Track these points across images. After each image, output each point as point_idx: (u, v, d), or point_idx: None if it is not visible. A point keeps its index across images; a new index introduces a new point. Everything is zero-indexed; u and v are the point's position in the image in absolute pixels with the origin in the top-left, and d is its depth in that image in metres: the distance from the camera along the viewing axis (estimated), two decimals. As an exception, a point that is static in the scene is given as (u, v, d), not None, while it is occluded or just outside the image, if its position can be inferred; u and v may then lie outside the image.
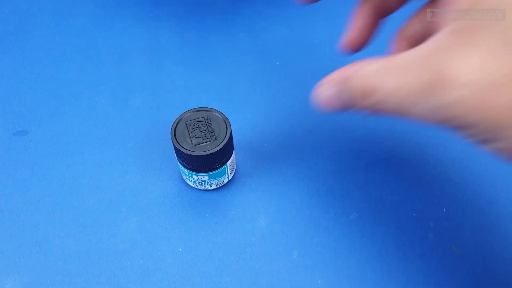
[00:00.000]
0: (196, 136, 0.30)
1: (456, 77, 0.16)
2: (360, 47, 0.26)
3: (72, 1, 0.46)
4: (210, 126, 0.31)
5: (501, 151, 0.17)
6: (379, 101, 0.19)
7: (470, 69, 0.16)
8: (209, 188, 0.33)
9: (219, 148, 0.29)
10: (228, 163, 0.32)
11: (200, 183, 0.33)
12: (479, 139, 0.17)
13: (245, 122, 0.37)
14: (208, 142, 0.30)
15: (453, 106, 0.17)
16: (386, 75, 0.18)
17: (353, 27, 0.26)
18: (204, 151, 0.29)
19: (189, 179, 0.33)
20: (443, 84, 0.17)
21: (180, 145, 0.30)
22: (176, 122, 0.31)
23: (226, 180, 0.33)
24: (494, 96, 0.16)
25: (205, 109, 0.31)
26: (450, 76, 0.16)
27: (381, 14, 0.25)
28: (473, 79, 0.16)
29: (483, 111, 0.16)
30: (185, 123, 0.31)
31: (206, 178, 0.32)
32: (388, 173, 0.35)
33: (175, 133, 0.30)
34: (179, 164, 0.32)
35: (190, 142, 0.30)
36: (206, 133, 0.30)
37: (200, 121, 0.31)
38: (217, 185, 0.33)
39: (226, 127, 0.30)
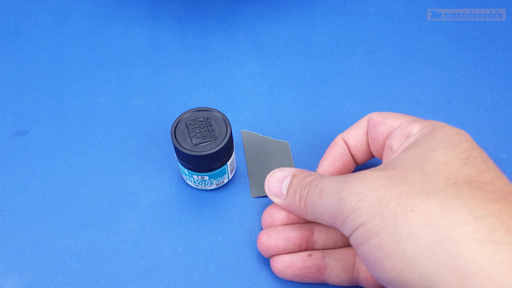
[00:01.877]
0: (196, 136, 0.30)
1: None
2: None
3: (72, 1, 0.46)
4: (210, 126, 0.31)
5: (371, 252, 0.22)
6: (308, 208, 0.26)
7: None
8: (209, 188, 0.33)
9: (219, 148, 0.29)
10: (228, 163, 0.32)
11: (200, 183, 0.33)
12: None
13: (244, 122, 0.37)
14: (208, 142, 0.30)
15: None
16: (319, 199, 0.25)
17: (324, 168, 0.31)
18: (204, 151, 0.29)
19: (189, 179, 0.33)
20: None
21: (180, 145, 0.30)
22: (176, 122, 0.31)
23: (226, 180, 0.33)
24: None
25: (205, 109, 0.31)
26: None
27: (347, 168, 0.31)
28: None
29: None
30: (185, 123, 0.31)
31: (206, 178, 0.32)
32: (388, 173, 0.35)
33: (175, 133, 0.30)
34: (179, 164, 0.32)
35: (190, 142, 0.30)
36: (206, 133, 0.30)
37: (200, 121, 0.31)
38: (217, 185, 0.33)
39: (226, 127, 0.30)
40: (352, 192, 0.23)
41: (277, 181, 0.28)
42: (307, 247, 0.28)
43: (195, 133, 0.30)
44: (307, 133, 0.37)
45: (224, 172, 0.32)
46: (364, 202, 0.22)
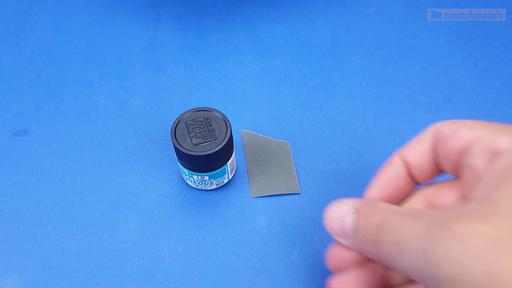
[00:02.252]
0: (196, 136, 0.30)
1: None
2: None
3: (72, 1, 0.46)
4: (210, 126, 0.31)
5: None
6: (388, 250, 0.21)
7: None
8: (209, 188, 0.33)
9: (219, 148, 0.29)
10: (228, 163, 0.32)
11: (200, 183, 0.33)
12: None
13: (244, 122, 0.37)
14: (208, 142, 0.30)
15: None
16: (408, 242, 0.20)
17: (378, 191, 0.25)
18: (204, 151, 0.29)
19: (189, 179, 0.33)
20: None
21: (180, 145, 0.30)
22: (176, 122, 0.31)
23: (226, 180, 0.33)
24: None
25: (205, 109, 0.31)
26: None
27: (402, 193, 0.25)
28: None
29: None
30: (185, 123, 0.31)
31: (206, 178, 0.32)
32: (388, 173, 0.35)
33: (175, 133, 0.30)
34: (179, 164, 0.32)
35: (190, 142, 0.30)
36: (206, 133, 0.30)
37: (200, 121, 0.31)
38: (217, 185, 0.33)
39: (226, 127, 0.30)
40: (445, 259, 0.18)
41: (338, 219, 0.23)
42: (383, 284, 0.25)
43: (195, 133, 0.30)
44: (307, 133, 0.37)
45: (224, 172, 0.32)
46: (465, 275, 0.17)
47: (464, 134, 0.22)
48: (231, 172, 0.33)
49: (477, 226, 0.18)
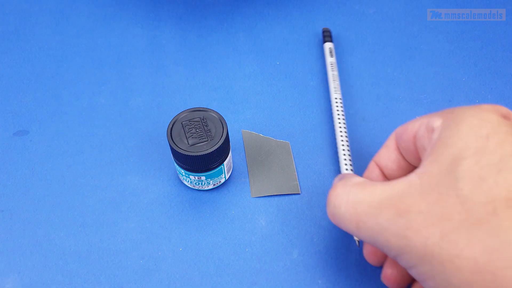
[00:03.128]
0: (192, 136, 0.30)
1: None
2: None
3: (72, 1, 0.46)
4: (206, 126, 0.31)
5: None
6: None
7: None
8: (206, 188, 0.33)
9: (216, 148, 0.29)
10: (225, 163, 0.32)
11: (197, 184, 0.33)
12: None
13: (245, 122, 0.37)
14: (204, 142, 0.30)
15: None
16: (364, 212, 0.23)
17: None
18: (200, 151, 0.29)
19: (186, 180, 0.33)
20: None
21: (177, 146, 0.30)
22: (172, 123, 0.31)
23: (223, 180, 0.33)
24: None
25: (201, 109, 0.31)
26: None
27: None
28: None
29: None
30: (181, 123, 0.31)
31: (203, 178, 0.32)
32: (388, 173, 0.35)
33: (171, 133, 0.30)
34: (175, 164, 0.32)
35: (186, 142, 0.30)
36: (202, 133, 0.30)
37: (196, 121, 0.31)
38: (214, 185, 0.33)
39: (223, 127, 0.30)
40: (393, 233, 0.21)
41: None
42: None
43: (191, 134, 0.30)
44: (307, 133, 0.37)
45: (220, 172, 0.32)
46: (409, 247, 0.21)
47: (411, 125, 0.26)
48: (228, 172, 0.33)
49: (416, 204, 0.21)
